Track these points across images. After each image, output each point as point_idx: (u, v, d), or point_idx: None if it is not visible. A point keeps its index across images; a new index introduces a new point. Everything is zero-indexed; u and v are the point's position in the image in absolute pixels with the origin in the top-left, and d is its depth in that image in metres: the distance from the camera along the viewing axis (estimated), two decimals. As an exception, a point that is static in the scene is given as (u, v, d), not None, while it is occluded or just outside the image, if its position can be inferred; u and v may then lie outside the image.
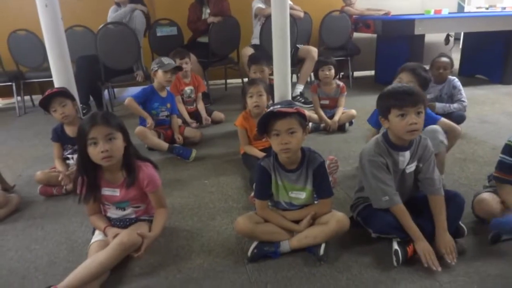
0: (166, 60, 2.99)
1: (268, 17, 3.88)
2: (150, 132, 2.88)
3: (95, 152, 1.49)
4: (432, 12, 4.62)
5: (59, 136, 2.39)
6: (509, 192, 1.69)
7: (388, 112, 1.56)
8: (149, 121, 2.90)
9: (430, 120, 2.01)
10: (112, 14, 4.17)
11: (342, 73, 5.01)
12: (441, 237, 1.56)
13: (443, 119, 2.13)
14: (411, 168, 1.66)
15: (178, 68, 3.06)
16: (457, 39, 5.70)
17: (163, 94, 3.05)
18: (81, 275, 1.40)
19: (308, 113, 3.31)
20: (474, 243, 1.68)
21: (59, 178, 2.27)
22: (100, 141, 1.48)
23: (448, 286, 1.43)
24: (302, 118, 1.58)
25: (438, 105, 2.95)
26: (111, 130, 1.51)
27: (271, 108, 1.59)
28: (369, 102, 3.91)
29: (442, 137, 1.99)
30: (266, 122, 1.57)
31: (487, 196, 1.73)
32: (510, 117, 3.49)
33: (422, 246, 1.54)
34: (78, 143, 1.53)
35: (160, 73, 2.94)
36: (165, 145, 2.85)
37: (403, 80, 2.14)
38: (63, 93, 2.34)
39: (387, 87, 1.63)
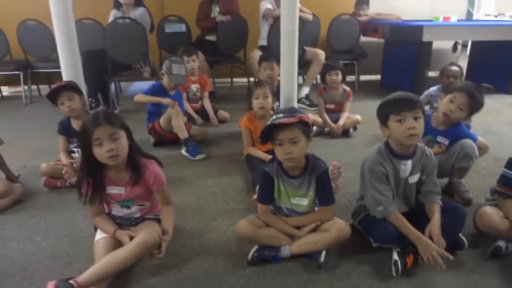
0: (175, 69, 2.99)
1: (276, 18, 3.88)
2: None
3: (101, 152, 1.49)
4: (441, 19, 4.61)
5: (65, 129, 2.41)
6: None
7: (387, 119, 1.60)
8: (167, 101, 2.89)
9: (469, 137, 2.13)
10: (112, 19, 4.06)
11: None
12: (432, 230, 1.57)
13: (480, 139, 2.22)
14: (414, 179, 1.68)
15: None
16: (464, 46, 5.68)
17: (172, 92, 3.07)
18: (101, 270, 1.41)
19: (313, 116, 3.31)
20: (473, 256, 1.68)
21: (63, 172, 2.28)
22: (105, 141, 1.48)
23: (446, 298, 1.44)
24: (305, 126, 1.57)
25: None
26: (115, 129, 1.51)
27: (274, 117, 1.57)
28: (373, 107, 3.83)
29: (477, 153, 2.08)
30: (269, 132, 1.57)
31: (490, 210, 1.72)
32: (514, 128, 3.48)
33: (423, 247, 1.52)
34: (82, 144, 1.53)
35: (165, 77, 3.00)
36: (185, 134, 2.86)
37: (457, 101, 2.06)
38: (71, 87, 2.35)
39: (385, 97, 1.66)
